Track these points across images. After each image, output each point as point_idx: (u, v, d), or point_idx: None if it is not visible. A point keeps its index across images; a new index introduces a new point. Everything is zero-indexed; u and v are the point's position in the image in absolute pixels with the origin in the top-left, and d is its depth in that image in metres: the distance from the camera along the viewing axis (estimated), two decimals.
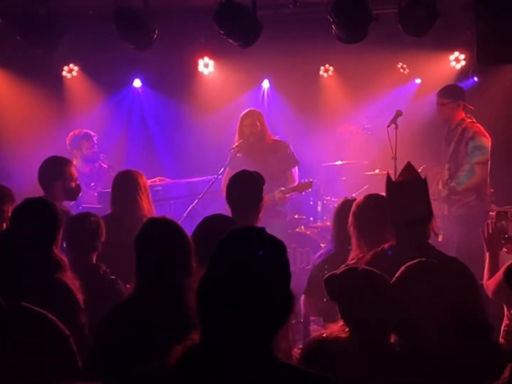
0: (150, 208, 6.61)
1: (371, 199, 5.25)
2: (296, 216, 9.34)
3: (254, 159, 8.69)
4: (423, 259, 3.80)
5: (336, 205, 9.21)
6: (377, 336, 3.52)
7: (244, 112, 8.96)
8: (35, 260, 4.19)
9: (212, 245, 4.08)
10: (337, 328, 3.60)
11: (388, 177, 4.78)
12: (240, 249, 2.34)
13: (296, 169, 8.93)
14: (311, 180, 8.78)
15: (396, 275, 3.76)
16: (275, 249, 2.39)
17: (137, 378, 2.44)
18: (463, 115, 8.40)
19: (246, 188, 5.64)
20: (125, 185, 6.65)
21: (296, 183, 8.74)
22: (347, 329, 3.56)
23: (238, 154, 8.75)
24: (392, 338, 3.60)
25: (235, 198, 5.65)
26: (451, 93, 8.42)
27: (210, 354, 2.29)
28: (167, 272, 3.80)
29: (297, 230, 9.17)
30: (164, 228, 3.96)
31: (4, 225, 5.66)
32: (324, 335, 3.59)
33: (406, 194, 4.62)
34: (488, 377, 3.09)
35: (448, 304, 3.58)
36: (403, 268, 3.77)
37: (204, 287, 2.35)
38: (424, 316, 3.54)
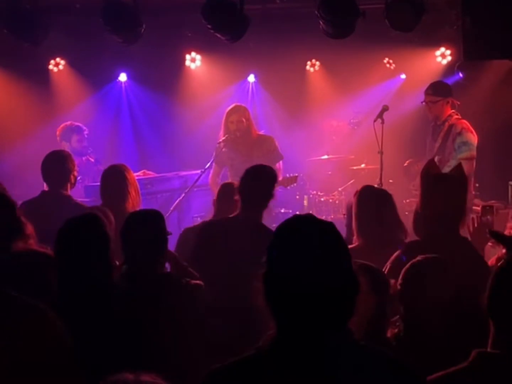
0: (138, 202, 6.63)
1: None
2: (282, 210, 9.34)
3: (239, 154, 8.73)
4: (428, 255, 3.91)
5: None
6: (374, 330, 3.53)
7: (229, 108, 8.95)
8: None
9: None
10: None
11: (427, 169, 4.88)
12: (303, 238, 2.37)
13: (281, 164, 8.94)
14: (296, 174, 8.78)
15: (402, 271, 3.87)
16: (333, 231, 2.43)
17: (219, 372, 2.43)
18: (450, 111, 8.46)
19: (259, 183, 5.59)
20: (115, 179, 6.65)
21: (281, 177, 8.76)
22: None
23: (223, 149, 8.75)
24: (389, 333, 3.64)
25: (246, 192, 5.56)
26: (441, 90, 8.47)
27: (295, 344, 2.32)
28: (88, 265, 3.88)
29: None
30: (82, 223, 4.01)
31: None
32: None
33: (445, 188, 4.73)
34: None
35: (450, 300, 3.65)
36: (408, 265, 3.87)
37: (275, 279, 2.36)
38: (428, 311, 3.62)
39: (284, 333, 2.34)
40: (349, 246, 5.23)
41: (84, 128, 9.21)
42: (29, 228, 4.49)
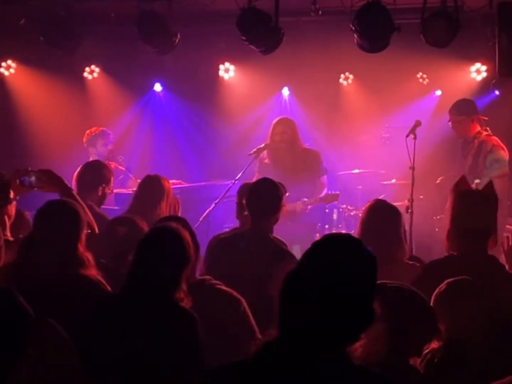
0: (165, 213, 6.65)
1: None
2: None
3: (283, 166, 8.71)
4: (464, 277, 3.90)
5: (352, 213, 9.30)
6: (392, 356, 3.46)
7: (276, 120, 9.02)
8: (58, 258, 4.33)
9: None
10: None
11: (458, 185, 4.86)
12: (334, 256, 2.38)
13: (325, 178, 8.96)
14: (338, 192, 8.79)
15: (437, 291, 3.86)
16: (368, 263, 2.43)
17: (214, 373, 2.48)
18: (479, 127, 8.41)
19: (265, 197, 5.56)
20: (150, 189, 6.67)
21: (325, 190, 8.78)
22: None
23: (266, 160, 8.80)
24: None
25: (253, 207, 5.55)
26: (464, 109, 8.44)
27: (289, 353, 2.33)
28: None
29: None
30: (168, 234, 4.01)
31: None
32: None
33: (473, 205, 4.73)
34: None
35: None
36: (443, 285, 3.87)
37: (292, 286, 2.39)
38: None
39: (280, 343, 2.35)
40: None
41: (109, 132, 9.25)
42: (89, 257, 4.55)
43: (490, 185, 5.01)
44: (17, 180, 5.40)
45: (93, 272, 4.49)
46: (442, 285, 3.88)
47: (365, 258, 2.42)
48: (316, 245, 2.44)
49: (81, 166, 6.82)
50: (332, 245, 2.43)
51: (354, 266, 2.36)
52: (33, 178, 5.46)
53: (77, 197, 5.58)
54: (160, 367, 3.63)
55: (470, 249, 4.61)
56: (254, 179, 8.86)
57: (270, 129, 8.98)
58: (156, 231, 4.15)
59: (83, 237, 4.59)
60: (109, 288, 4.47)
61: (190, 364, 3.70)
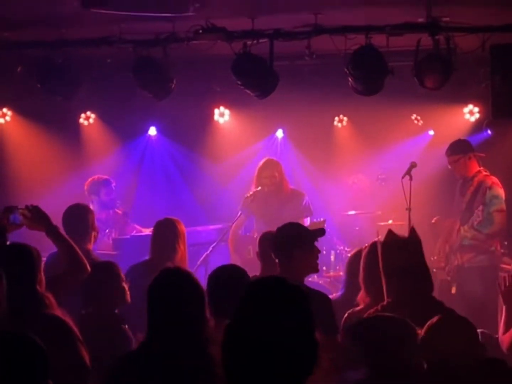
0: (185, 256, 6.68)
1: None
2: None
3: (270, 207, 8.78)
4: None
5: (349, 254, 9.30)
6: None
7: (261, 162, 9.02)
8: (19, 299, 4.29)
9: (225, 294, 4.09)
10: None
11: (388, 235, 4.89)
12: (263, 301, 2.32)
13: (308, 220, 8.96)
14: (323, 219, 8.79)
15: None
16: (299, 298, 2.37)
17: None
18: (478, 167, 8.49)
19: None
20: (166, 233, 6.69)
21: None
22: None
23: (253, 202, 8.80)
24: None
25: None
26: (459, 148, 8.57)
27: None
28: (179, 322, 3.80)
29: (309, 279, 9.10)
30: (176, 278, 3.96)
31: None
32: None
33: (403, 252, 4.76)
34: None
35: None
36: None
37: (229, 339, 2.34)
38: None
39: None
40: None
41: (112, 180, 9.27)
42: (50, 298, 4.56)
43: (413, 231, 5.01)
44: (6, 219, 5.42)
45: (57, 312, 4.48)
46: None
47: (295, 298, 2.35)
48: (243, 298, 2.38)
49: (65, 214, 6.66)
50: (258, 295, 2.36)
51: (286, 311, 2.31)
52: (21, 216, 5.49)
53: (64, 235, 5.54)
54: None
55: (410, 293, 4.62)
56: (237, 221, 8.90)
57: (256, 172, 9.01)
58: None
59: (41, 278, 4.60)
60: (75, 328, 4.42)
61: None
